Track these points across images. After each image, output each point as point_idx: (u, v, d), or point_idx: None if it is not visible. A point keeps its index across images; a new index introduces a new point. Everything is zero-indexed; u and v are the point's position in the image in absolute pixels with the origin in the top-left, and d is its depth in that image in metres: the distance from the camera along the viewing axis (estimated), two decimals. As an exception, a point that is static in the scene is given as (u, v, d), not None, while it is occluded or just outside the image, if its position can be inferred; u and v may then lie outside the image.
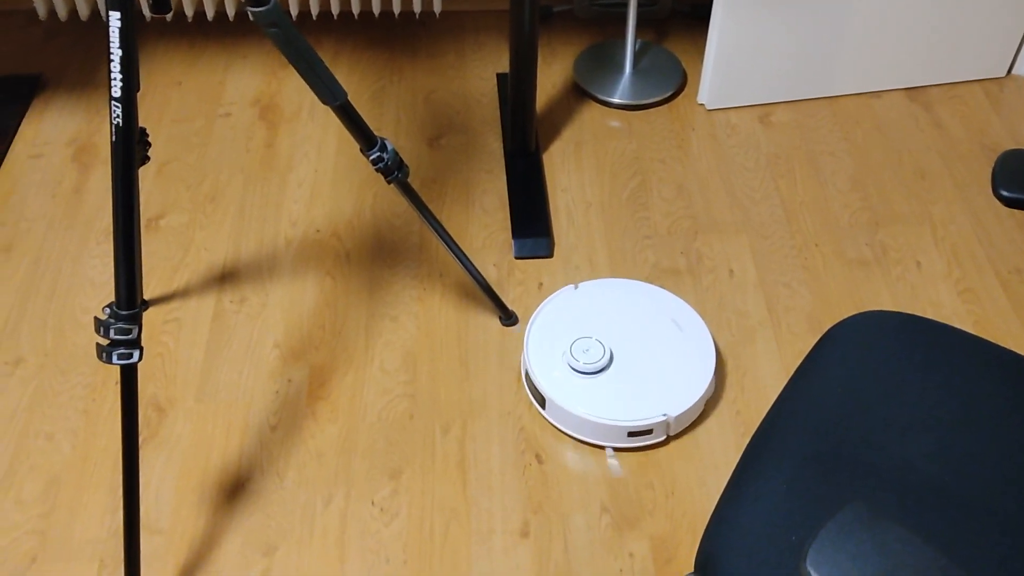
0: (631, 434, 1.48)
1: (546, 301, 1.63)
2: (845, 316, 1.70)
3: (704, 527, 1.43)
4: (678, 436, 1.53)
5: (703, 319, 1.63)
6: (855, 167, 1.95)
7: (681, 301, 1.62)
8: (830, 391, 1.06)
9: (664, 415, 1.48)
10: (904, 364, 1.08)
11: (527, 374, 1.55)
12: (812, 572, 0.71)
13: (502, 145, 1.99)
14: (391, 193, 1.88)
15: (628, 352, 1.56)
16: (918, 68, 2.10)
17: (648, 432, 1.49)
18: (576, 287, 1.63)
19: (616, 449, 1.51)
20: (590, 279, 1.74)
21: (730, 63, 2.00)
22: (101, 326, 1.14)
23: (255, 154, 1.97)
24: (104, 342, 1.15)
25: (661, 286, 1.73)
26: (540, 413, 1.55)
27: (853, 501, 0.75)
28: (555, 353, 1.56)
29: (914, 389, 1.05)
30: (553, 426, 1.53)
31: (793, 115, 2.06)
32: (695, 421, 1.55)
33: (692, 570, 1.38)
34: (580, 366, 1.52)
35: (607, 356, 1.53)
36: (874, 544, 0.73)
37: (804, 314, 1.70)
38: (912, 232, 1.83)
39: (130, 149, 1.09)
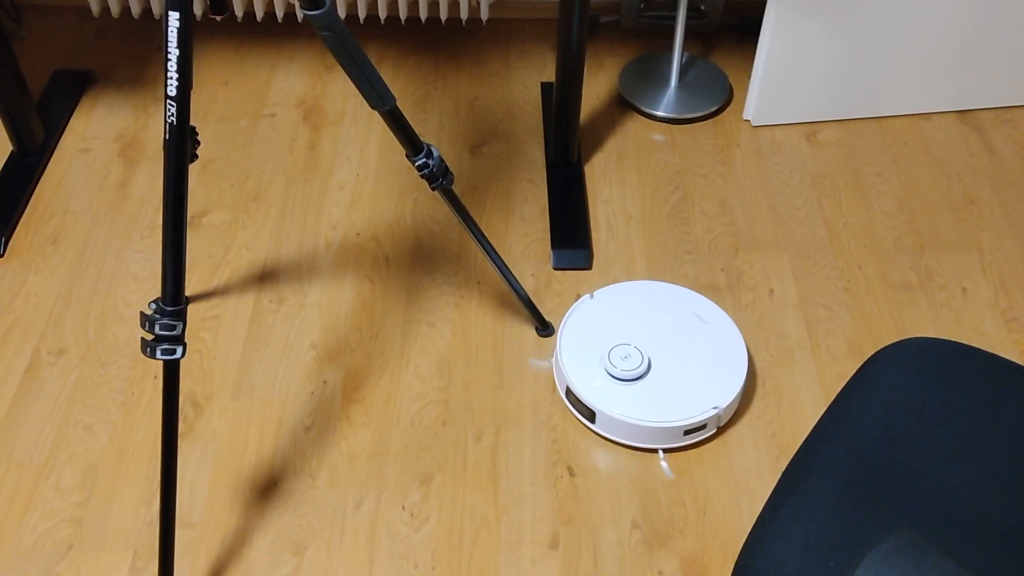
0: (687, 432, 1.50)
1: (567, 315, 1.63)
2: (887, 341, 1.68)
3: (736, 548, 1.42)
4: (712, 454, 1.52)
5: (723, 310, 1.67)
6: (902, 189, 1.93)
7: (696, 294, 1.65)
8: (873, 417, 1.05)
9: (715, 408, 1.50)
10: (950, 393, 1.06)
11: (568, 390, 1.54)
12: (854, 602, 0.70)
13: (544, 155, 1.99)
14: (431, 200, 1.89)
15: (661, 353, 1.57)
16: (970, 90, 2.07)
17: (702, 427, 1.51)
18: (592, 296, 1.63)
19: (666, 451, 1.53)
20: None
21: (778, 79, 1.99)
22: (146, 321, 1.15)
23: (298, 155, 1.98)
24: (149, 337, 1.16)
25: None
26: (587, 427, 1.54)
27: (895, 530, 0.74)
28: (591, 364, 1.55)
29: (960, 419, 1.04)
30: (602, 437, 1.53)
31: (840, 134, 2.05)
32: (731, 442, 1.54)
33: (722, 590, 1.37)
34: (619, 373, 1.53)
35: (645, 362, 1.54)
36: (919, 575, 0.71)
37: (844, 337, 1.68)
38: (959, 258, 1.80)
39: (183, 148, 1.10)
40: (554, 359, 1.60)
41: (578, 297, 1.73)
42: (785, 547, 0.96)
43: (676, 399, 1.52)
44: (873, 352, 1.13)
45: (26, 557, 1.39)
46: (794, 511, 0.99)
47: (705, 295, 1.73)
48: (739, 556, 0.99)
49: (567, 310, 1.71)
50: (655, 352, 1.57)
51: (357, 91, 2.10)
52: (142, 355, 1.63)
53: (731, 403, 1.52)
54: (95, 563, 1.39)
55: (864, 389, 1.08)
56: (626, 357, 1.55)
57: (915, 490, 0.98)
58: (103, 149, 1.99)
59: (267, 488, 1.47)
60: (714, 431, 1.54)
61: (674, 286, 1.67)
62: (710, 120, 2.08)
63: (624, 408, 1.50)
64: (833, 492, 0.99)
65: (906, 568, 0.72)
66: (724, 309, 1.71)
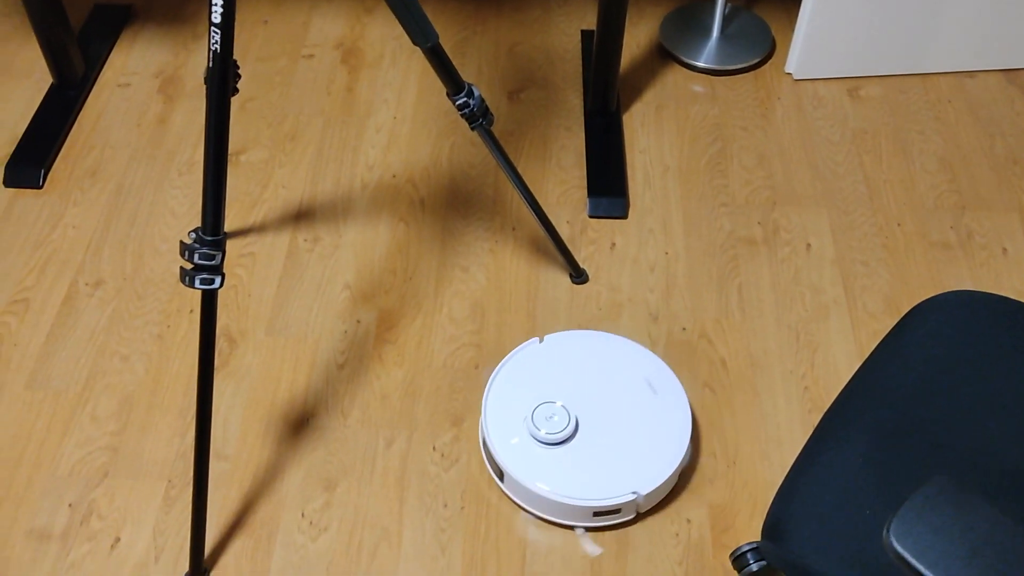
0: (597, 514, 1.35)
1: (511, 354, 1.48)
2: (924, 299, 1.67)
3: (765, 500, 1.42)
4: (744, 406, 1.52)
5: (681, 383, 1.45)
6: (944, 148, 1.90)
7: (657, 359, 1.47)
8: (913, 368, 1.04)
9: (634, 493, 1.34)
10: (992, 346, 1.05)
11: (484, 442, 1.41)
12: (896, 545, 0.69)
13: (582, 103, 1.97)
14: (468, 144, 1.88)
15: (595, 418, 1.41)
16: (1017, 49, 2.02)
17: (615, 511, 1.35)
18: (541, 340, 1.48)
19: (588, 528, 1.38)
20: (664, 243, 1.72)
21: (821, 33, 1.95)
22: (186, 250, 1.16)
23: (336, 97, 1.97)
24: (188, 266, 1.16)
25: (735, 256, 1.71)
26: (497, 485, 1.41)
27: (935, 477, 0.74)
28: (517, 418, 1.41)
29: (1001, 372, 1.03)
30: (510, 499, 1.40)
31: (883, 90, 2.01)
32: (763, 394, 1.53)
33: (748, 540, 1.37)
34: (542, 435, 1.37)
35: (572, 424, 1.39)
36: (960, 520, 0.71)
37: (881, 295, 1.66)
38: (1000, 218, 1.78)
39: (226, 75, 1.09)
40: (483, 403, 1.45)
41: (613, 247, 1.72)
42: (820, 493, 0.96)
43: (597, 473, 1.35)
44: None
45: (63, 482, 1.42)
46: (830, 459, 0.98)
47: (742, 257, 1.72)
48: (773, 502, 0.99)
49: (601, 258, 1.70)
50: (588, 415, 1.41)
51: (396, 35, 2.09)
52: (178, 289, 1.64)
53: (656, 490, 1.35)
54: (130, 491, 1.41)
55: (904, 341, 1.07)
56: (551, 417, 1.38)
57: (954, 442, 0.97)
58: (142, 85, 1.99)
59: (299, 424, 1.49)
60: (632, 516, 1.38)
61: (639, 346, 1.49)
62: (751, 72, 2.05)
63: (534, 474, 1.35)
64: (871, 442, 0.98)
65: (947, 511, 0.71)
66: (760, 265, 1.70)
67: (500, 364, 1.48)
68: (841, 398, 1.06)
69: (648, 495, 1.35)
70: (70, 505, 1.39)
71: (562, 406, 1.41)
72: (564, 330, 1.57)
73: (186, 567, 1.34)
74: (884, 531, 0.71)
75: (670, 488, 1.41)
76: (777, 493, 1.00)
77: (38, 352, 1.56)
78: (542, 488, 1.35)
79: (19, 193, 1.79)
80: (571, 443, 1.39)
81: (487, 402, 1.43)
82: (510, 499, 1.40)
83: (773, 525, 0.96)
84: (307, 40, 2.09)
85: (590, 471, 1.36)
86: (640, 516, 1.39)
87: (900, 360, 1.05)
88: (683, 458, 1.38)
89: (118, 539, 1.36)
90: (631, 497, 1.34)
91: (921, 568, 0.69)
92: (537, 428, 1.39)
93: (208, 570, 1.34)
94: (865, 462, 0.97)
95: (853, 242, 1.74)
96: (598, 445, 1.39)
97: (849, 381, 1.07)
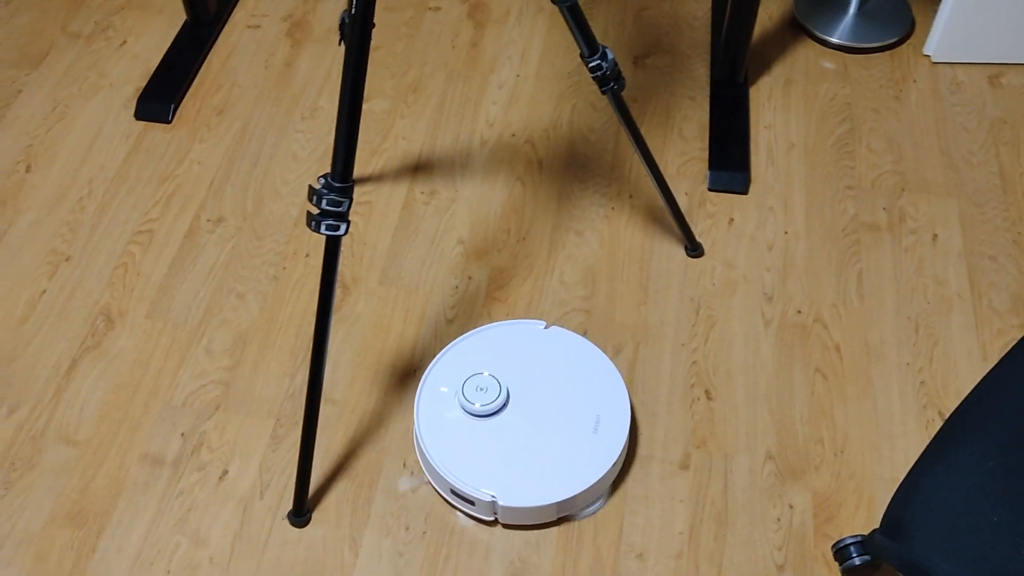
0: (454, 493, 1.33)
1: (501, 323, 1.47)
2: (1056, 300, 1.59)
3: (872, 493, 1.38)
4: (855, 394, 1.47)
5: (627, 422, 1.37)
6: (1090, 144, 1.80)
7: (628, 410, 1.38)
8: (1054, 373, 0.99)
9: (492, 496, 1.30)
10: None
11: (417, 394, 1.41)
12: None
13: (709, 72, 1.92)
14: (589, 108, 1.86)
15: (524, 418, 1.37)
16: None
17: (470, 503, 1.33)
18: (547, 327, 1.44)
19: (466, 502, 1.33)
20: (784, 223, 1.68)
21: (966, 15, 1.86)
22: (314, 195, 1.17)
23: (460, 51, 1.96)
24: (314, 211, 1.17)
25: (857, 241, 1.66)
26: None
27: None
28: (457, 376, 1.41)
29: None
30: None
31: (1027, 80, 1.92)
32: (876, 384, 1.49)
33: (852, 533, 1.34)
34: (465, 401, 1.36)
35: (495, 405, 1.36)
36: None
37: (1009, 293, 1.59)
38: None
39: (367, 23, 1.09)
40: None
41: (731, 222, 1.68)
42: (945, 495, 0.93)
43: (480, 460, 1.33)
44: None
45: (177, 411, 1.46)
46: (957, 460, 0.95)
47: (864, 242, 1.67)
48: (894, 497, 0.96)
49: (718, 233, 1.67)
50: (520, 412, 1.37)
51: (524, -10, 2.07)
52: (295, 232, 1.67)
53: (516, 509, 1.30)
54: (239, 426, 1.45)
55: (1044, 344, 1.03)
56: (483, 389, 1.36)
57: (1096, 453, 0.93)
58: (271, 27, 2.01)
59: (406, 374, 1.50)
60: (490, 517, 1.34)
61: (624, 387, 1.40)
62: (887, 52, 1.97)
63: (429, 427, 1.36)
64: (1004, 445, 0.94)
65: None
66: (883, 252, 1.65)
67: (491, 324, 1.47)
68: (974, 396, 1.02)
69: (506, 509, 1.30)
70: (183, 434, 1.44)
71: (496, 381, 1.38)
72: (676, 304, 1.55)
73: (289, 505, 1.37)
74: (1022, 540, 0.68)
75: (542, 519, 1.34)
76: (899, 488, 0.97)
77: (160, 283, 1.61)
78: (423, 440, 1.35)
79: (149, 127, 1.83)
80: (484, 423, 1.36)
81: (445, 352, 1.44)
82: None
83: (894, 521, 0.93)
84: (434, -8, 2.08)
85: (475, 454, 1.33)
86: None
87: (1041, 364, 1.01)
88: (563, 501, 1.31)
89: (226, 472, 1.40)
90: (487, 498, 1.30)
91: (1066, 583, 0.66)
92: (464, 393, 1.37)
93: (311, 511, 1.37)
94: (996, 466, 0.94)
95: (982, 236, 1.67)
96: (506, 440, 1.35)
97: (983, 378, 1.03)
